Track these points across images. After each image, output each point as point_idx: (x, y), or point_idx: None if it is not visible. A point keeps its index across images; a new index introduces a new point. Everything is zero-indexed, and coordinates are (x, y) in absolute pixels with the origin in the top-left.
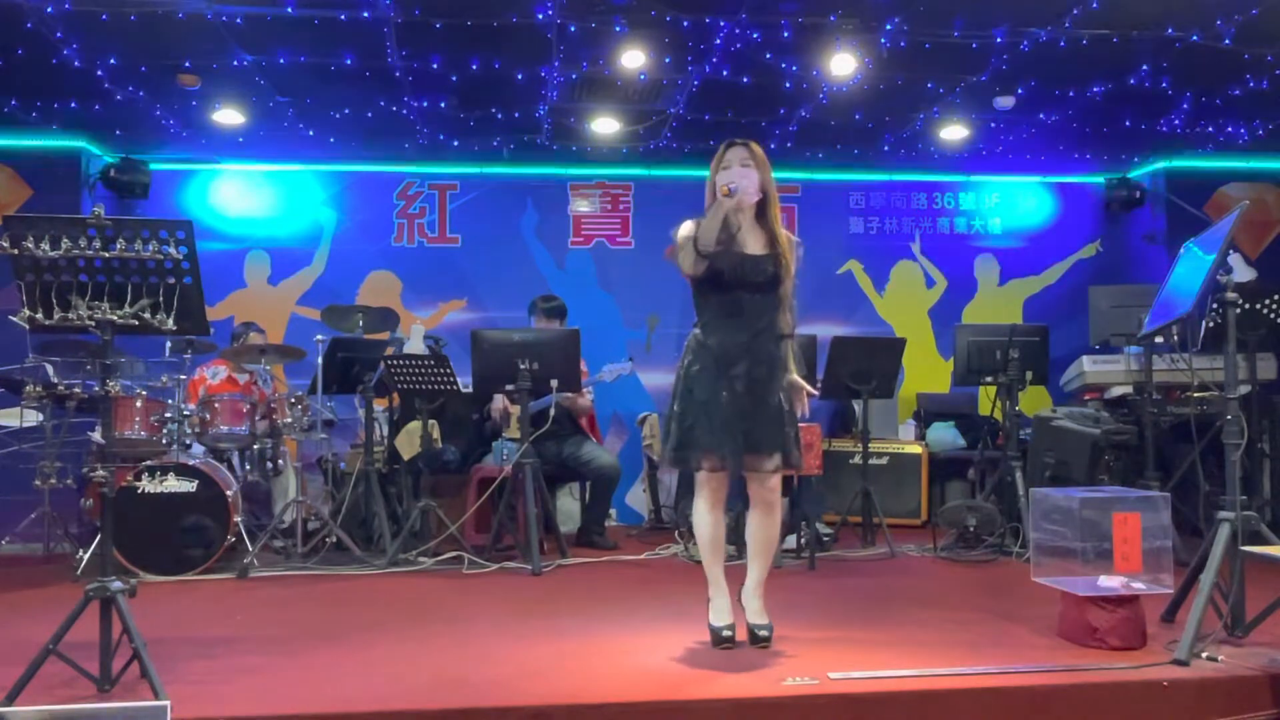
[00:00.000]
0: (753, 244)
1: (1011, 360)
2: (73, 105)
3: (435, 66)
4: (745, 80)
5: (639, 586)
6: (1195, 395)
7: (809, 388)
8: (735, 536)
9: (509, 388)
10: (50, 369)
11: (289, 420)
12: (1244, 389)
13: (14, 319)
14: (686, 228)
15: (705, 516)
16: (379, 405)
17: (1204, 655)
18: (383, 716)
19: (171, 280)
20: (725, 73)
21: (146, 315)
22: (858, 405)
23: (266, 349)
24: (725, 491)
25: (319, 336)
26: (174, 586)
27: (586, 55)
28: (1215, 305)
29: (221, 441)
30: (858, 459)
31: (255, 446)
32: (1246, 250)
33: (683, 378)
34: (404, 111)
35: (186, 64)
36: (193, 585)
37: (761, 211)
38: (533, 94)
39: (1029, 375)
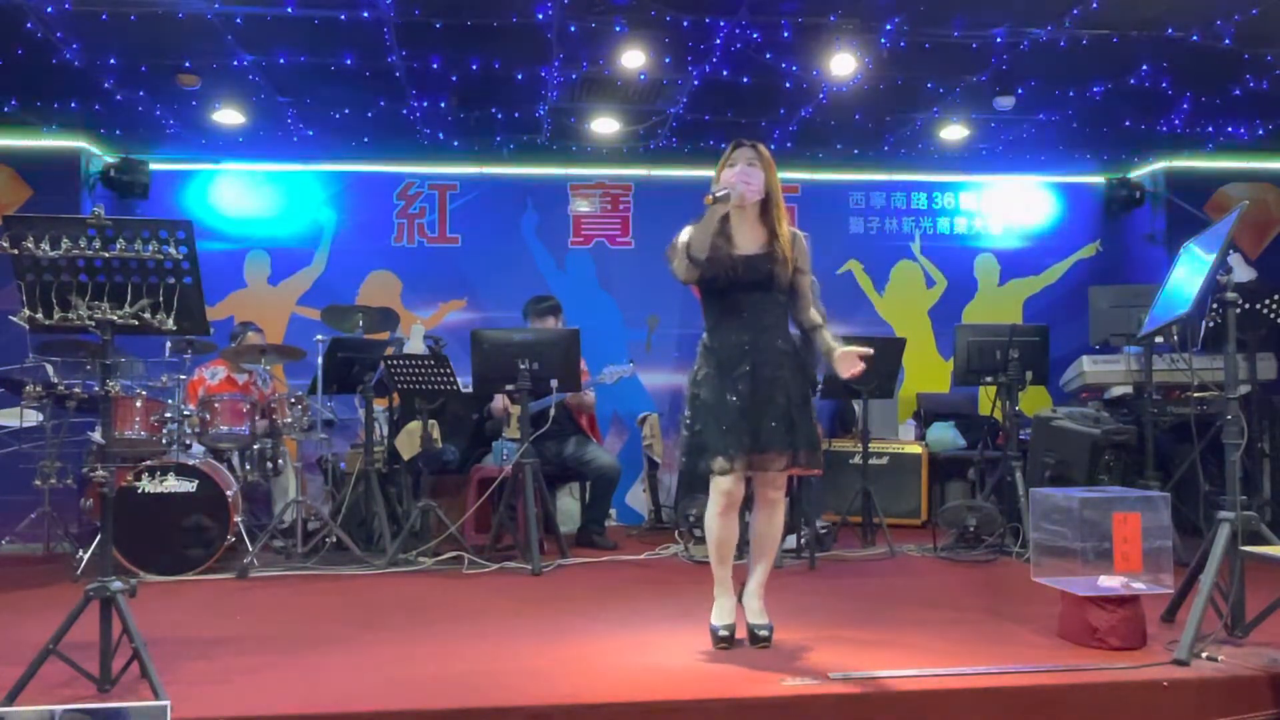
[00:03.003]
0: (750, 244)
1: (1011, 360)
2: (73, 105)
3: (435, 66)
4: (745, 80)
5: (639, 586)
6: (1195, 395)
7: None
8: None
9: (509, 388)
10: (50, 369)
11: (289, 420)
12: (1244, 389)
13: (14, 319)
14: (686, 233)
15: (716, 521)
16: (379, 405)
17: (1204, 655)
18: (383, 716)
19: (171, 280)
20: (725, 73)
21: (146, 315)
22: (858, 405)
23: (266, 349)
24: (740, 496)
25: (319, 336)
26: (174, 586)
27: (586, 55)
28: (1215, 305)
29: (221, 441)
30: (858, 459)
31: (255, 446)
32: (1246, 250)
33: (692, 383)
34: (404, 111)
35: (186, 64)
36: (193, 585)
37: (764, 211)
38: (533, 94)
39: (1029, 375)
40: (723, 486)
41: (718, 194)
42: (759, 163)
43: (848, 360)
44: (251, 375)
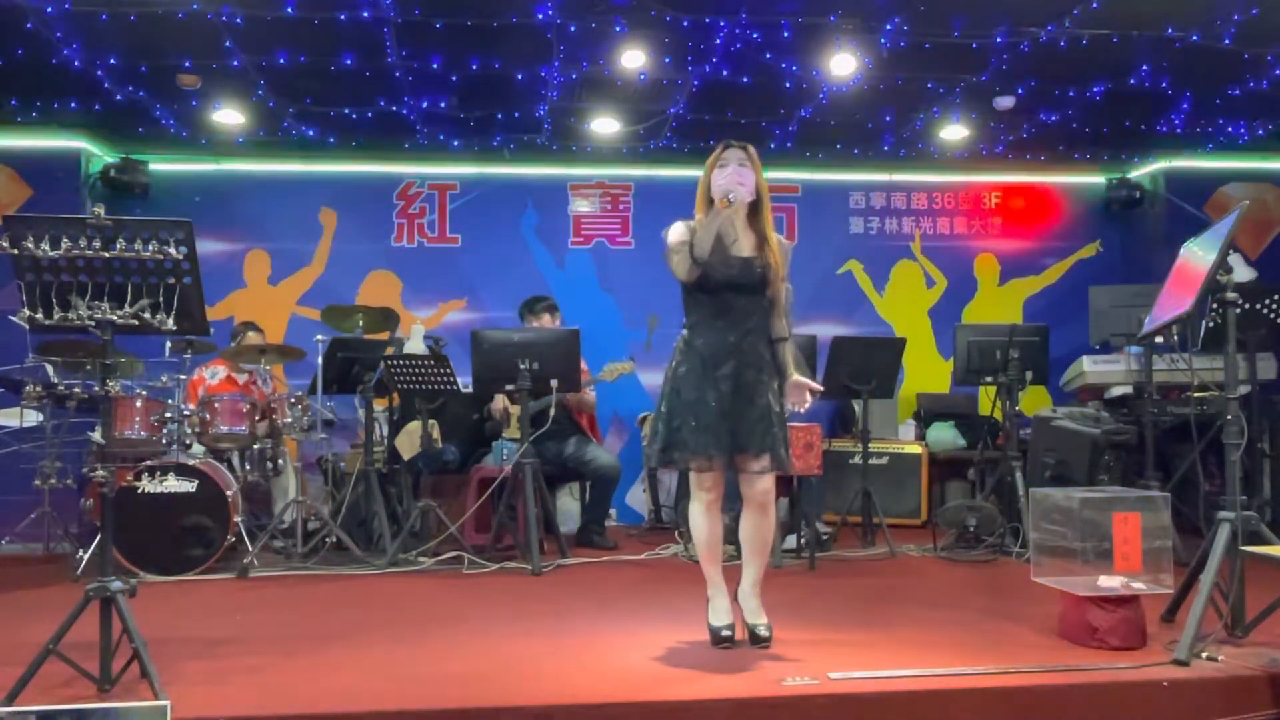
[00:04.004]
0: (742, 246)
1: (1011, 360)
2: (73, 105)
3: (435, 66)
4: (745, 80)
5: (639, 586)
6: (1195, 395)
7: (813, 384)
8: (734, 536)
9: (509, 388)
10: (50, 369)
11: (289, 420)
12: (1244, 389)
13: (14, 319)
14: (677, 231)
15: (700, 519)
16: (379, 405)
17: (1204, 655)
18: (383, 716)
19: (171, 280)
20: (725, 73)
21: (146, 315)
22: (858, 405)
23: (266, 349)
24: (720, 492)
25: (319, 336)
26: (174, 586)
27: (586, 55)
28: (1215, 305)
29: (221, 441)
30: (858, 459)
31: (255, 446)
32: (1246, 250)
33: (670, 379)
34: (404, 111)
35: (186, 64)
36: (193, 585)
37: (753, 213)
38: (533, 94)
39: (1029, 375)
40: (703, 485)
41: (730, 196)
42: (749, 164)
43: (798, 391)
44: (251, 375)
